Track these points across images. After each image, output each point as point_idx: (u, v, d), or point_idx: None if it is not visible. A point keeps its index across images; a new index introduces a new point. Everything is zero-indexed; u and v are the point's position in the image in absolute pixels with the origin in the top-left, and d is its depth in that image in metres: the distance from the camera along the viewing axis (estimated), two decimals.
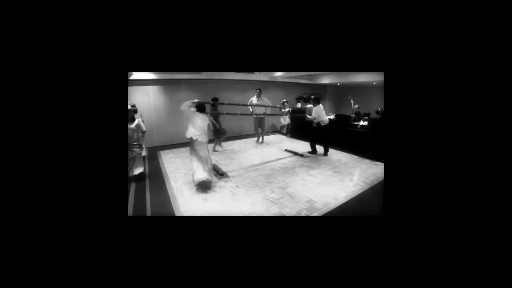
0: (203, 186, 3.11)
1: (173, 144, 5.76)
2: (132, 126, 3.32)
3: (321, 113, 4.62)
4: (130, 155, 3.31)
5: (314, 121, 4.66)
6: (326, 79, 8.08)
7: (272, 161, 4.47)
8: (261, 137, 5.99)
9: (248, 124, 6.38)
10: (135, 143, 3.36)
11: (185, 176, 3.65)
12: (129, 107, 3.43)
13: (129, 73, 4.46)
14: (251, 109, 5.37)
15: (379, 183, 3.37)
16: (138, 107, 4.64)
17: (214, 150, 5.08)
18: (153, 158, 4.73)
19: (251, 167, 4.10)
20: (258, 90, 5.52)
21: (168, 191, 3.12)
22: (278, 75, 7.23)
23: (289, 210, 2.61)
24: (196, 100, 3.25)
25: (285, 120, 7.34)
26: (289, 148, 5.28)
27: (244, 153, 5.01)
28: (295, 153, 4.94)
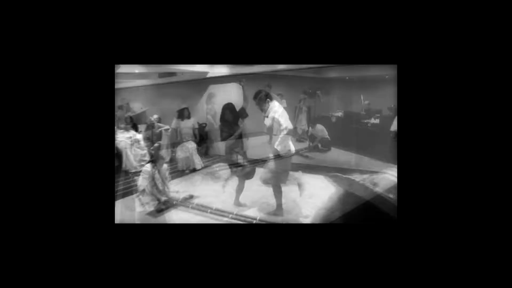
0: None
1: None
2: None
3: (323, 130, 5.31)
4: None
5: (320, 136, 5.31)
6: (333, 72, 8.02)
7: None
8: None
9: None
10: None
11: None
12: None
13: (116, 65, 4.44)
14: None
15: (392, 187, 3.36)
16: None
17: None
18: None
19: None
20: (279, 95, 4.48)
21: None
22: (281, 68, 7.20)
23: (292, 216, 2.60)
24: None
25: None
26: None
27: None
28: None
